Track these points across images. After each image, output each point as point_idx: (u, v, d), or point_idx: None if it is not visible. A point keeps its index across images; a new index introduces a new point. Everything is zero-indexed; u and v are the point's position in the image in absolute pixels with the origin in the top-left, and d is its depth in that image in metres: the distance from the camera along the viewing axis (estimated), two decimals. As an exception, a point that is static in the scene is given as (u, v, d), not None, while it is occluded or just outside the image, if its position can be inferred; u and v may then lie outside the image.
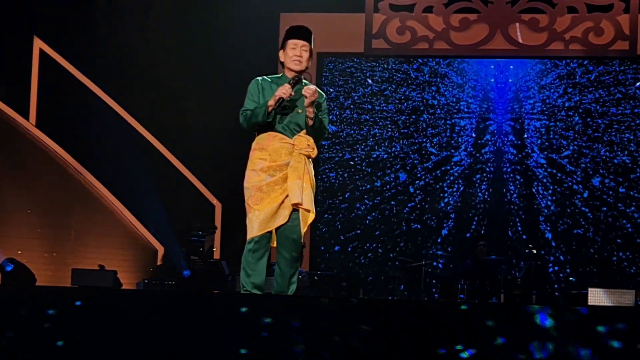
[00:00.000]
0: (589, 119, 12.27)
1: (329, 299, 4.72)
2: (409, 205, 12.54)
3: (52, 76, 11.61)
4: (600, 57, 12.09)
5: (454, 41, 12.09)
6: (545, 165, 12.38)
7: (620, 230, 12.07)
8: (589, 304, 7.93)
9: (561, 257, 12.16)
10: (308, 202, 5.62)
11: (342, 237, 12.59)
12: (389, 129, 12.66)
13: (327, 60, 12.71)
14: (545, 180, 12.34)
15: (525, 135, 12.49)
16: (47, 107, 11.53)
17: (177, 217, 11.50)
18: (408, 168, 12.61)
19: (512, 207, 12.40)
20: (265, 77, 5.80)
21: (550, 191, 12.31)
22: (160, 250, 11.91)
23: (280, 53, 5.82)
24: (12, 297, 4.87)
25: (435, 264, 11.70)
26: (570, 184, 12.25)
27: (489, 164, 12.57)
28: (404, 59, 12.60)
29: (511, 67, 12.68)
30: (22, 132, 11.40)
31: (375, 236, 12.51)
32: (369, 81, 12.68)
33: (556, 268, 12.15)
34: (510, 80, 12.63)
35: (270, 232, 5.62)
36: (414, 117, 12.64)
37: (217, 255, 11.63)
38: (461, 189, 12.56)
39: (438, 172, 12.58)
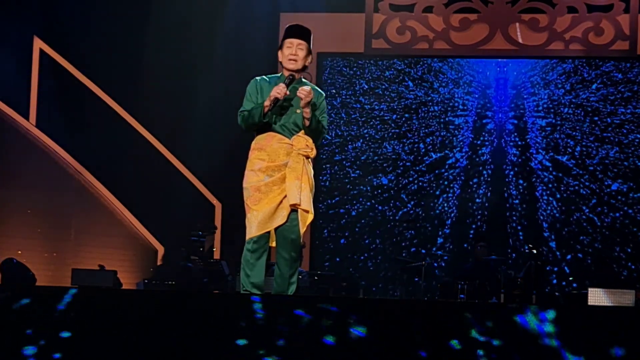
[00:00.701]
0: (596, 118, 12.20)
1: (329, 299, 4.72)
2: (409, 205, 12.53)
3: (52, 76, 11.62)
4: (600, 57, 12.08)
5: (454, 41, 12.09)
6: (550, 168, 12.31)
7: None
8: (589, 304, 7.93)
9: (559, 257, 12.14)
10: (306, 202, 5.61)
11: (342, 238, 12.57)
12: (389, 128, 12.63)
13: (327, 61, 12.70)
14: (550, 185, 12.27)
15: (529, 136, 12.44)
16: (47, 107, 11.54)
17: (177, 217, 11.50)
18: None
19: (513, 212, 12.36)
20: (264, 77, 5.78)
21: (553, 190, 12.25)
22: (160, 250, 11.91)
23: (279, 53, 5.80)
24: (12, 297, 4.86)
25: (435, 264, 11.68)
26: (576, 188, 12.16)
27: (486, 166, 12.54)
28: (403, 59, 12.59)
29: (509, 64, 12.65)
30: (22, 132, 11.41)
31: (375, 235, 12.49)
32: (370, 85, 12.65)
33: (556, 269, 12.14)
34: (511, 76, 12.58)
35: (269, 232, 5.61)
36: (419, 114, 12.59)
37: (217, 255, 11.63)
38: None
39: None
